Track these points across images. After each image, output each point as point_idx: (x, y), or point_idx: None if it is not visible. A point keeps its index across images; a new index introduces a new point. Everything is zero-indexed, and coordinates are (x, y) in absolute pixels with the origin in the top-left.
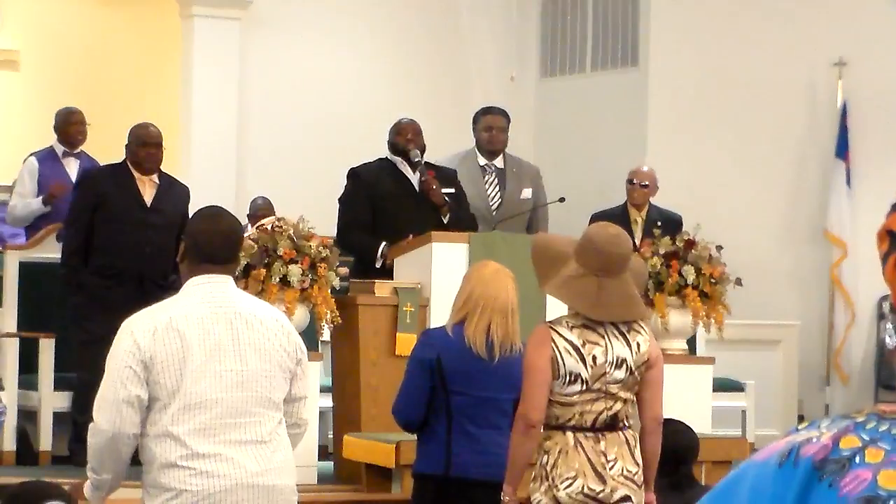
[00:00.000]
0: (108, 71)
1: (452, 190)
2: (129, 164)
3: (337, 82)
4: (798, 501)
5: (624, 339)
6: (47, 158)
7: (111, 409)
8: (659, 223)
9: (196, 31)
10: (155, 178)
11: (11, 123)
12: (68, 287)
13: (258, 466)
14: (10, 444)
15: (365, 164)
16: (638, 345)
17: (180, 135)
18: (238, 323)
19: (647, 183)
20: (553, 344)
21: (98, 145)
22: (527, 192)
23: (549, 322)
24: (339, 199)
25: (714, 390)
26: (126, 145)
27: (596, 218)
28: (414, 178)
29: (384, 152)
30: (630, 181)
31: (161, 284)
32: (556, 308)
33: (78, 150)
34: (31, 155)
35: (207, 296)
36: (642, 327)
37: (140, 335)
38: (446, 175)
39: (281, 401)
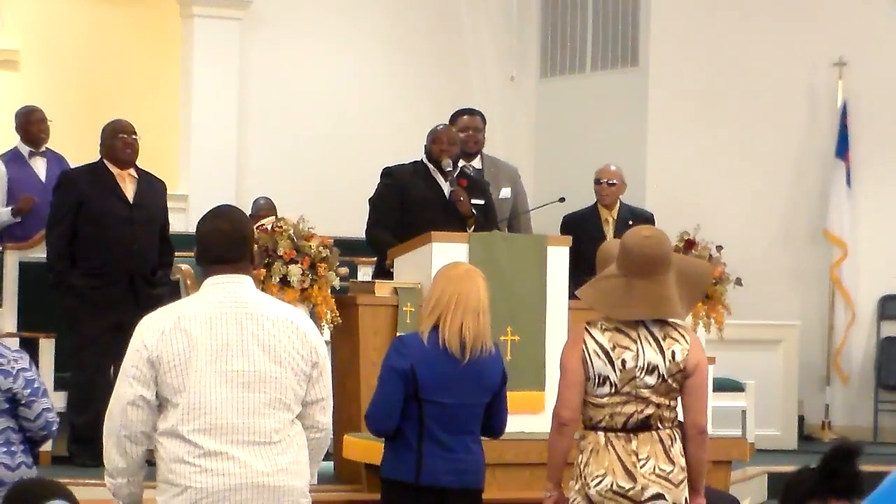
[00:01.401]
0: (108, 71)
1: (483, 202)
2: (105, 162)
3: (337, 82)
4: None
5: (658, 345)
6: (13, 160)
7: (119, 408)
8: (630, 221)
9: (196, 31)
10: (133, 172)
11: (11, 123)
12: (58, 290)
13: (265, 466)
14: None
15: (399, 165)
16: (673, 353)
17: (180, 135)
18: (248, 323)
19: (614, 181)
20: (584, 345)
21: (97, 146)
22: (505, 192)
23: (587, 322)
24: (370, 198)
25: (714, 390)
26: (100, 143)
27: (566, 220)
28: (445, 185)
29: (385, 152)
30: (597, 181)
31: (151, 281)
32: (556, 309)
33: (43, 149)
34: None
35: (219, 296)
36: (682, 336)
37: (148, 335)
38: (479, 185)
39: (293, 402)
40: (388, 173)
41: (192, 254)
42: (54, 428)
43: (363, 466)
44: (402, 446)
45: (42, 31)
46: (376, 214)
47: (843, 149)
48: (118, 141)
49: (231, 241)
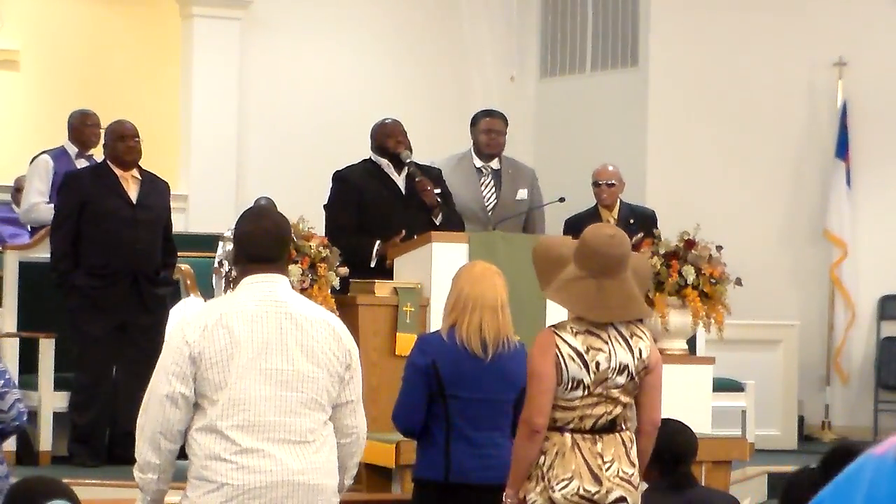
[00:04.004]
0: (108, 71)
1: (439, 190)
2: (109, 163)
3: (337, 82)
4: None
5: (627, 344)
6: (60, 157)
7: (156, 404)
8: (632, 220)
9: (196, 31)
10: (136, 173)
11: (12, 123)
12: (61, 290)
13: (300, 465)
14: (10, 444)
15: (349, 166)
16: (640, 351)
17: (180, 135)
18: (287, 323)
19: (613, 182)
20: (557, 350)
21: (98, 145)
22: (522, 193)
23: (554, 327)
24: (325, 205)
25: (714, 390)
26: (104, 144)
27: (569, 223)
28: (399, 179)
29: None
30: (596, 183)
31: (154, 281)
32: (556, 309)
33: (90, 153)
34: (43, 153)
35: (258, 294)
36: (644, 333)
37: (190, 331)
38: (432, 175)
39: (327, 403)
40: (340, 177)
41: (193, 254)
42: (25, 419)
43: (363, 466)
44: (430, 445)
45: (42, 31)
46: (336, 221)
47: (842, 149)
48: (122, 145)
49: (274, 241)
